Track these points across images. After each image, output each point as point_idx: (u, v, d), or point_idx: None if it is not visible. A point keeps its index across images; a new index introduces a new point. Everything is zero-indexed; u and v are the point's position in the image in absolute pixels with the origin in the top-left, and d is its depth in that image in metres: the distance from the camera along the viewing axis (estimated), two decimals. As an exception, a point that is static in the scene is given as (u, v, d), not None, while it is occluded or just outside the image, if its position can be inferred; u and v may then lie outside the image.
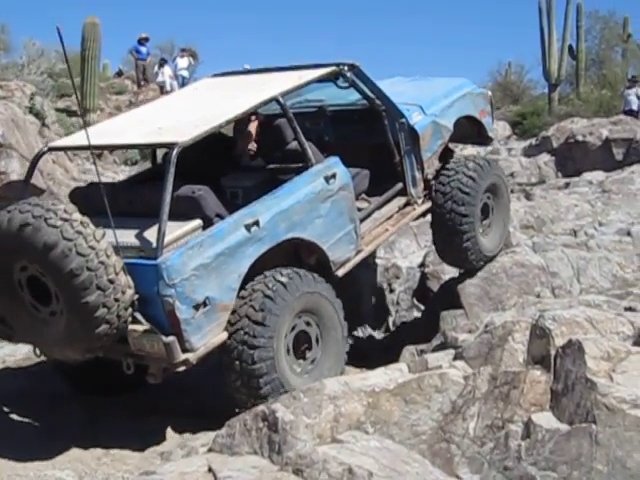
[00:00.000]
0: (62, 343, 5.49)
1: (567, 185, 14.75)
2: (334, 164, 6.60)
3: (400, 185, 7.37)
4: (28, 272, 5.44)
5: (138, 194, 6.16)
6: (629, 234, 8.60)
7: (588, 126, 17.38)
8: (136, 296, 5.41)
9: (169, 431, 6.23)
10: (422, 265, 9.29)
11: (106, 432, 6.13)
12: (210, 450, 5.39)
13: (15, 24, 57.81)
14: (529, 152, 18.52)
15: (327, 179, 6.46)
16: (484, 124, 8.40)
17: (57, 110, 17.03)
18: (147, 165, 18.73)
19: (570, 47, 30.11)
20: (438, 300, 8.45)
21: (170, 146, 5.66)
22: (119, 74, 24.52)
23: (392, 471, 4.56)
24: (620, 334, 5.24)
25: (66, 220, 5.18)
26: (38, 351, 6.04)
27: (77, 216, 5.26)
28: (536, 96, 33.60)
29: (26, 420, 6.33)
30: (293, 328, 6.03)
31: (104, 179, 15.85)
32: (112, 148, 7.39)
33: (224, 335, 5.73)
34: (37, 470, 5.40)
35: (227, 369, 5.88)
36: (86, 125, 5.73)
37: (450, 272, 8.62)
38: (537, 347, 5.21)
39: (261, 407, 5.30)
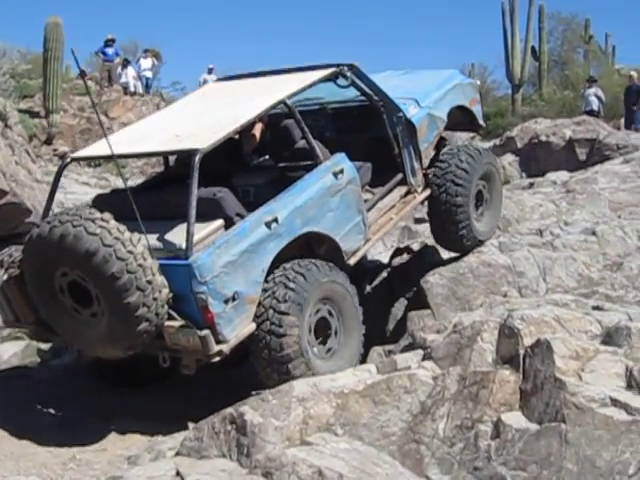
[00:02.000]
0: (104, 342, 5.86)
1: (531, 185, 14.77)
2: (341, 160, 6.92)
3: (400, 175, 7.69)
4: (69, 278, 5.82)
5: (159, 198, 6.49)
6: (594, 233, 8.63)
7: (552, 126, 17.42)
8: (170, 294, 5.73)
9: (136, 434, 6.19)
10: (389, 265, 9.27)
11: (72, 436, 6.07)
12: (178, 454, 5.35)
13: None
14: (493, 152, 18.55)
15: (335, 175, 6.78)
16: (474, 112, 8.83)
17: (20, 111, 16.88)
18: (109, 167, 18.86)
19: (533, 48, 30.34)
20: (406, 301, 8.44)
21: (192, 152, 5.97)
22: (82, 75, 24.28)
23: (362, 473, 4.56)
24: (588, 333, 5.27)
25: (104, 228, 5.56)
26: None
27: (114, 223, 5.62)
28: (499, 97, 33.82)
29: (20, 422, 6.28)
30: (316, 313, 6.36)
31: (74, 183, 15.71)
32: (134, 157, 7.54)
33: (253, 326, 6.05)
34: (2, 477, 5.34)
35: (257, 358, 6.21)
36: (106, 135, 6.07)
37: (415, 273, 8.60)
38: (506, 347, 5.24)
39: (229, 410, 5.27)
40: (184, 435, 5.66)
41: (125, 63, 22.64)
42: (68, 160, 7.09)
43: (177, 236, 5.98)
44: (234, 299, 5.90)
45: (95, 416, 6.47)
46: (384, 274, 9.20)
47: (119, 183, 17.66)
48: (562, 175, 14.78)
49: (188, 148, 6.10)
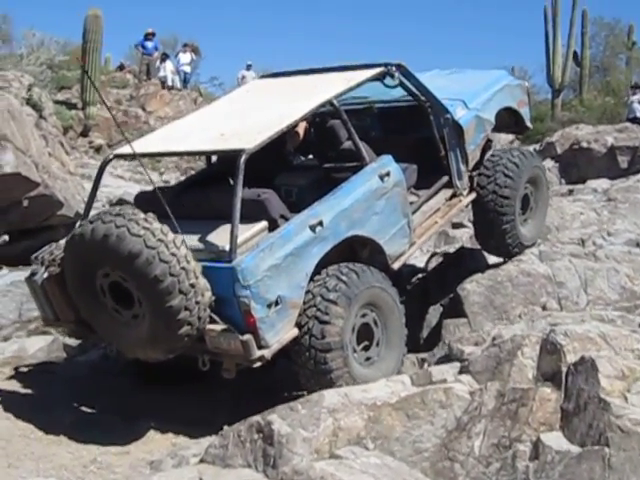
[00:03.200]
0: (145, 344, 5.84)
1: (571, 192, 14.60)
2: (387, 162, 6.81)
3: (446, 178, 7.59)
4: (110, 278, 5.79)
5: (202, 197, 6.41)
6: (638, 245, 8.45)
7: (593, 133, 17.22)
8: (213, 298, 5.68)
9: (159, 438, 6.09)
10: (424, 270, 9.10)
11: (94, 436, 5.97)
12: (202, 461, 5.26)
13: (16, 15, 57.58)
14: (534, 157, 18.42)
15: (382, 177, 6.68)
16: (522, 114, 8.72)
17: (56, 102, 16.90)
18: (144, 161, 18.83)
19: (575, 53, 29.92)
20: (441, 307, 8.27)
21: (238, 152, 5.88)
22: (121, 68, 24.20)
23: None
24: (635, 352, 5.09)
25: (147, 229, 5.52)
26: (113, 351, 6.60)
27: (157, 225, 5.57)
28: (539, 101, 33.44)
29: (10, 424, 6.16)
30: (362, 316, 6.27)
31: (108, 176, 15.75)
32: (178, 155, 7.48)
33: (295, 331, 5.96)
34: (21, 477, 5.24)
35: (301, 368, 6.12)
36: (126, 139, 6.24)
37: (452, 279, 8.42)
38: (547, 363, 5.11)
39: (256, 418, 5.17)
40: (209, 441, 5.59)
41: (164, 57, 22.60)
42: (111, 157, 7.02)
43: (220, 237, 5.91)
44: (277, 304, 5.82)
45: (119, 417, 6.37)
46: (419, 279, 9.03)
47: (154, 177, 17.71)
48: (603, 183, 14.58)
49: (234, 148, 6.00)
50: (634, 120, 19.44)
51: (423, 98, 7.42)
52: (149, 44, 22.26)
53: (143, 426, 6.20)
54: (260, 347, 5.67)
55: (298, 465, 4.67)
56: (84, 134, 18.53)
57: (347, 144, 7.00)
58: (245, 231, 5.87)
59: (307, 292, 6.03)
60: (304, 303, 6.00)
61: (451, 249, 9.53)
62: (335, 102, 6.68)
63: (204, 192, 6.64)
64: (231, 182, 7.32)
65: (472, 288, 7.82)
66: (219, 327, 5.71)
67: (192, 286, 5.52)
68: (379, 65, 7.24)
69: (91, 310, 6.01)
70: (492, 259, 8.67)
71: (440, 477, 4.72)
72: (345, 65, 7.51)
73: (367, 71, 7.20)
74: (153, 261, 5.44)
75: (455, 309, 7.84)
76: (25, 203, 9.11)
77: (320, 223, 6.12)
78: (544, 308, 7.63)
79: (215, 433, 5.90)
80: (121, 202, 13.70)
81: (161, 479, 5.03)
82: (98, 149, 18.41)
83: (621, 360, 4.87)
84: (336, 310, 5.95)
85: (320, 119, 7.37)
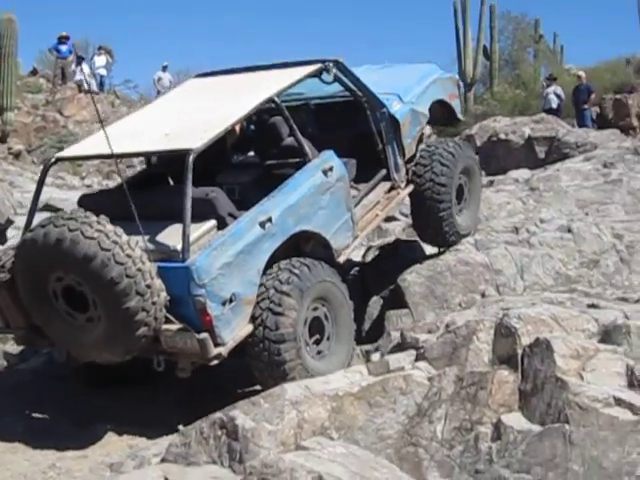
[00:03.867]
0: (101, 347, 5.83)
1: (492, 183, 14.85)
2: (330, 157, 6.93)
3: (384, 171, 7.73)
4: (63, 282, 5.77)
5: (147, 198, 6.28)
6: (570, 231, 8.66)
7: (510, 125, 17.55)
8: (167, 298, 5.70)
9: (115, 441, 6.07)
10: (361, 264, 9.20)
11: (48, 444, 5.94)
12: (163, 460, 5.22)
13: None
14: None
15: (325, 172, 6.79)
16: (453, 107, 8.94)
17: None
18: (65, 166, 18.53)
19: (484, 47, 30.52)
20: (381, 299, 8.38)
21: (186, 152, 5.90)
22: (33, 73, 23.77)
23: (362, 478, 4.46)
24: (586, 332, 5.24)
25: (101, 231, 5.52)
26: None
27: (111, 227, 5.57)
28: (451, 95, 33.94)
29: None
30: (314, 309, 6.38)
31: (29, 182, 15.42)
32: (125, 156, 7.38)
33: (250, 327, 6.04)
34: None
35: (254, 360, 6.18)
36: (107, 135, 5.84)
37: (389, 271, 8.54)
38: (503, 346, 5.21)
39: (218, 414, 5.17)
40: (168, 441, 5.55)
41: (79, 60, 22.32)
42: (53, 160, 6.97)
43: (170, 237, 5.94)
44: (231, 301, 5.87)
45: (71, 421, 6.36)
46: (356, 272, 9.12)
47: (75, 182, 17.47)
48: (523, 173, 14.90)
49: (181, 148, 6.02)
50: (550, 111, 19.90)
51: (360, 93, 7.50)
52: (63, 47, 21.86)
53: (97, 429, 6.17)
54: (217, 345, 5.73)
55: (266, 458, 4.67)
56: (2, 140, 18.11)
57: (288, 140, 7.09)
58: (195, 230, 5.90)
59: (260, 285, 6.09)
60: (257, 296, 6.05)
61: (386, 242, 9.63)
62: (277, 99, 6.75)
63: (149, 193, 6.59)
64: (171, 182, 7.34)
65: (412, 279, 7.92)
66: (174, 327, 5.73)
67: (148, 287, 5.54)
68: (317, 62, 7.32)
69: (43, 315, 5.95)
70: (428, 250, 8.86)
71: (405, 462, 4.78)
72: (281, 62, 7.59)
73: (305, 67, 7.28)
74: (109, 263, 5.44)
75: (396, 300, 7.93)
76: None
77: (269, 220, 6.19)
78: (483, 295, 7.80)
79: (171, 433, 5.96)
80: (48, 207, 13.53)
81: (130, 478, 5.03)
82: (17, 155, 17.97)
83: (574, 340, 5.00)
84: (289, 302, 6.03)
85: (260, 116, 7.43)
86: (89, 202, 6.55)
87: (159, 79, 25.21)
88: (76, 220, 5.54)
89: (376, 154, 7.65)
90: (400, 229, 10.55)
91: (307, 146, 6.84)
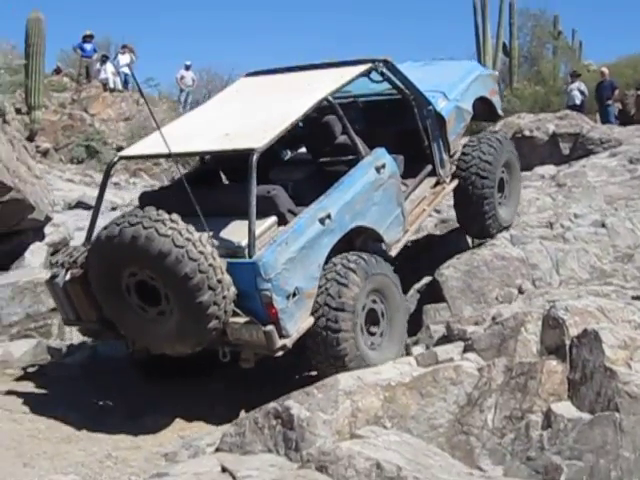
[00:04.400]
0: (173, 339, 6.00)
1: (518, 179, 14.84)
2: (382, 155, 7.10)
3: (430, 167, 7.89)
4: (137, 277, 5.94)
5: (207, 195, 6.40)
6: (604, 226, 8.72)
7: (535, 121, 17.46)
8: (235, 292, 5.85)
9: (167, 432, 6.17)
10: (396, 259, 9.27)
11: (101, 435, 6.06)
12: (218, 450, 5.37)
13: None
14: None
15: (378, 169, 6.95)
16: (494, 103, 9.13)
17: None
18: (93, 164, 18.69)
19: (504, 44, 30.49)
20: (418, 294, 8.47)
21: (249, 152, 6.04)
22: (57, 71, 23.85)
23: (418, 465, 4.55)
24: (631, 322, 5.32)
25: (174, 229, 5.68)
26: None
27: (183, 224, 5.73)
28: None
29: (17, 426, 6.18)
30: (364, 307, 6.43)
31: (58, 180, 15.53)
32: (187, 155, 7.49)
33: (311, 319, 6.18)
34: (38, 476, 5.29)
35: (314, 352, 6.34)
36: (163, 135, 5.99)
37: (424, 266, 8.63)
38: (551, 337, 5.29)
39: (272, 404, 5.30)
40: (220, 431, 5.73)
41: (104, 59, 22.31)
42: (116, 159, 7.17)
43: (233, 234, 6.11)
44: (295, 294, 6.01)
45: (122, 413, 6.49)
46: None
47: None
48: (549, 169, 14.84)
49: (245, 147, 6.14)
50: (574, 107, 19.85)
51: (407, 91, 7.63)
52: (88, 46, 21.91)
53: (148, 420, 6.29)
54: (281, 337, 5.89)
55: (323, 446, 4.79)
56: (30, 138, 18.15)
57: (341, 138, 7.21)
58: (257, 227, 6.03)
59: (321, 278, 6.22)
60: (318, 289, 6.19)
61: (419, 237, 9.71)
62: (331, 99, 6.89)
63: (206, 190, 6.69)
64: (224, 180, 7.44)
65: (450, 273, 8.02)
66: (241, 320, 5.90)
67: (219, 282, 5.69)
68: (367, 61, 7.47)
69: (116, 309, 6.12)
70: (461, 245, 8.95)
71: (457, 450, 4.88)
72: (332, 62, 7.73)
73: (357, 67, 7.41)
74: (183, 260, 5.60)
75: (434, 294, 8.03)
76: (-4, 208, 9.00)
77: (328, 216, 6.34)
78: (520, 290, 7.84)
79: (221, 424, 6.10)
80: (80, 204, 13.73)
81: (183, 469, 5.03)
82: (45, 153, 18.14)
83: (621, 330, 5.07)
84: (354, 278, 6.22)
85: (313, 115, 7.49)
86: (150, 199, 6.67)
87: (182, 77, 25.29)
88: (150, 218, 5.70)
89: (422, 150, 7.78)
90: (432, 225, 10.59)
91: (360, 144, 6.95)
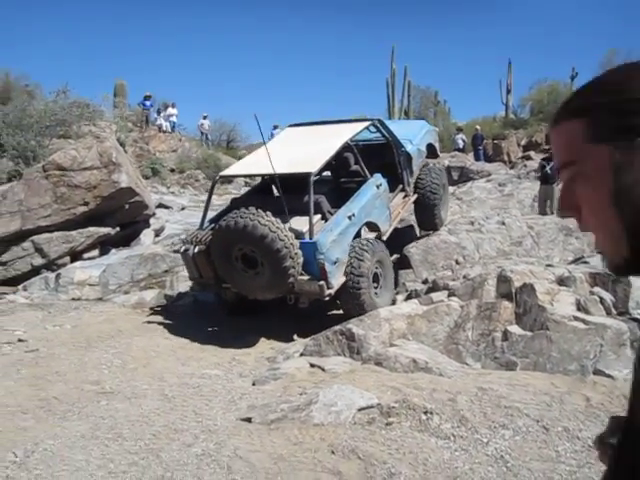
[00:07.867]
0: (265, 289, 6.16)
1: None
2: (379, 177, 7.33)
3: (401, 186, 8.07)
4: (242, 251, 6.07)
5: (276, 200, 6.51)
6: (503, 224, 9.06)
7: (438, 159, 18.04)
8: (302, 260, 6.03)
9: (262, 344, 6.33)
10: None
11: (222, 347, 6.19)
12: (302, 355, 5.55)
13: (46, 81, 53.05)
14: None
15: (377, 186, 7.20)
16: (435, 147, 9.40)
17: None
18: (156, 179, 18.49)
19: (405, 108, 30.99)
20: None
21: (309, 174, 6.27)
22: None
23: (433, 361, 4.91)
24: (549, 279, 5.66)
25: (270, 221, 5.88)
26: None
27: (273, 218, 5.92)
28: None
29: (169, 342, 6.30)
30: (372, 272, 6.60)
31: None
32: (266, 176, 7.52)
33: (344, 278, 6.35)
34: (196, 370, 5.46)
35: (344, 301, 6.51)
36: (271, 162, 6.11)
37: (398, 246, 8.82)
38: (503, 287, 5.61)
39: (337, 327, 5.54)
40: (300, 344, 5.90)
41: (159, 110, 22.23)
42: (217, 178, 7.25)
43: (298, 224, 6.29)
44: (336, 262, 6.23)
45: (229, 334, 6.56)
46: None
47: (163, 189, 17.43)
48: (449, 189, 15.38)
49: (305, 171, 6.34)
50: (459, 150, 20.44)
51: (390, 138, 7.87)
52: (147, 102, 21.77)
53: (248, 338, 6.40)
54: (329, 288, 6.16)
55: (378, 350, 5.12)
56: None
57: (354, 167, 7.45)
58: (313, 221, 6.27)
59: (350, 252, 6.44)
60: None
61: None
62: (349, 142, 7.09)
63: (272, 197, 6.89)
64: (275, 191, 7.58)
65: (414, 250, 8.28)
66: (305, 277, 6.13)
67: (296, 254, 5.96)
68: (367, 119, 7.78)
69: (227, 271, 6.26)
70: (413, 235, 9.25)
71: (451, 354, 5.21)
72: (348, 119, 7.97)
73: (362, 123, 7.66)
74: (276, 239, 5.84)
75: (404, 263, 8.23)
76: (126, 206, 9.15)
77: (353, 215, 6.61)
78: (456, 261, 8.16)
79: (290, 341, 6.26)
80: (161, 205, 13.68)
81: (287, 365, 5.30)
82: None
83: (545, 284, 5.46)
84: (367, 256, 6.47)
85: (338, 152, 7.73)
86: (239, 202, 6.84)
87: (201, 124, 25.01)
88: (253, 214, 5.93)
89: (398, 175, 7.98)
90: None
91: (366, 171, 7.18)
